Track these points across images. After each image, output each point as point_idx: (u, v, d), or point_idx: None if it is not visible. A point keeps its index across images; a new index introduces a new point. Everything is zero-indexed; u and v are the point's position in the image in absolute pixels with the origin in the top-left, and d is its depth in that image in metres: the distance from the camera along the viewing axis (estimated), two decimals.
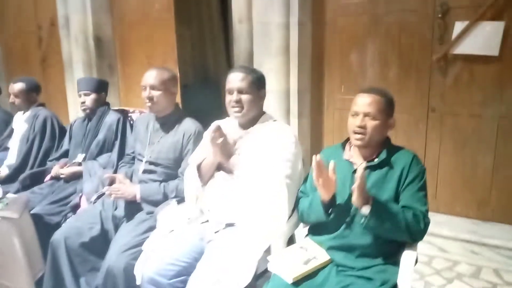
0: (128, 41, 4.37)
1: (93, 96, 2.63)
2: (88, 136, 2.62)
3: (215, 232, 1.78)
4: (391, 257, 1.55)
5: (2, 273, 2.03)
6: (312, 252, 1.61)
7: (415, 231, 1.50)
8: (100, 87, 2.68)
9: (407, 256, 1.52)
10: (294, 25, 3.05)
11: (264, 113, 1.94)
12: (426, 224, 1.52)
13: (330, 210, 1.59)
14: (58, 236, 2.07)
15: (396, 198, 1.57)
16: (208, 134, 1.93)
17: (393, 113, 1.65)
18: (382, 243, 1.54)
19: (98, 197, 2.28)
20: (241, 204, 1.74)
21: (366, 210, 1.45)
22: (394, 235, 1.52)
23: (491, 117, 2.76)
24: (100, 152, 2.58)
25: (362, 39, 3.08)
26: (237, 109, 1.83)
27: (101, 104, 2.68)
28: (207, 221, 1.86)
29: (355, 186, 1.43)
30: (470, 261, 2.67)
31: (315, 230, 1.72)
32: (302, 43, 3.10)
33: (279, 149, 1.77)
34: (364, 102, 1.59)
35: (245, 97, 1.82)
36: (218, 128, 1.75)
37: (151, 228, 1.99)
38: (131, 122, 2.70)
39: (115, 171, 2.41)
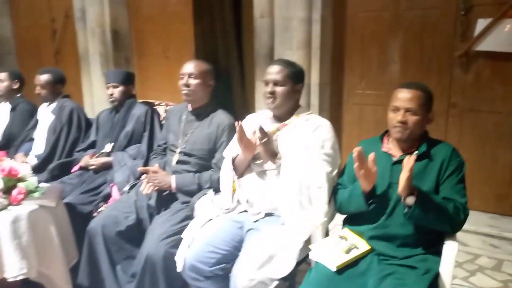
0: (144, 34, 4.40)
1: (121, 88, 2.65)
2: (116, 128, 2.66)
3: (254, 222, 1.83)
4: (431, 247, 1.60)
5: (40, 261, 2.06)
6: (352, 242, 1.66)
7: (456, 222, 1.56)
8: (128, 79, 2.71)
9: (449, 246, 1.57)
10: (316, 20, 3.08)
11: (299, 106, 1.98)
12: (466, 215, 1.58)
13: (371, 200, 1.63)
14: (95, 224, 2.11)
15: (436, 190, 1.61)
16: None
17: (432, 107, 1.69)
18: (423, 233, 1.59)
19: (131, 187, 2.32)
20: (282, 195, 1.79)
21: (411, 200, 1.49)
22: (436, 226, 1.57)
23: (511, 113, 2.81)
24: (129, 144, 2.61)
25: (383, 34, 3.12)
26: (270, 100, 1.88)
27: (128, 96, 2.71)
28: (245, 210, 1.91)
29: (403, 177, 1.47)
30: (491, 255, 2.73)
31: (353, 220, 1.76)
32: (324, 38, 3.13)
33: (319, 144, 1.81)
34: (405, 98, 1.63)
35: (279, 89, 1.87)
36: (262, 128, 1.77)
37: (187, 218, 2.04)
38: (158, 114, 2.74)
39: (146, 162, 2.45)
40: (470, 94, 2.92)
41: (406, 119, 1.62)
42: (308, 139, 1.83)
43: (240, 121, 1.82)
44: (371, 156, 1.57)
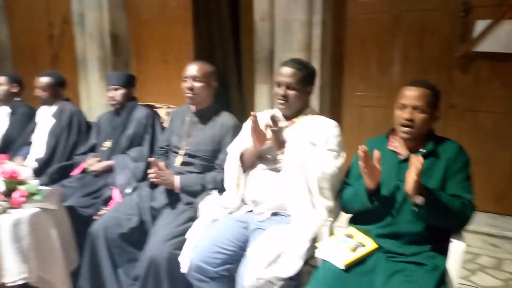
0: (143, 38, 4.39)
1: (122, 90, 2.65)
2: (117, 130, 2.64)
3: (260, 221, 1.82)
4: (439, 243, 1.60)
5: (41, 265, 2.03)
6: (358, 240, 1.65)
7: (464, 219, 1.57)
8: (129, 82, 2.71)
9: (456, 243, 1.57)
10: (317, 23, 3.10)
11: (308, 106, 1.99)
12: (473, 212, 1.58)
13: (374, 198, 1.63)
14: (97, 227, 2.09)
15: (442, 187, 1.61)
16: (247, 126, 1.98)
17: (439, 105, 1.69)
18: (431, 230, 1.59)
19: (134, 189, 2.30)
20: (287, 194, 1.78)
21: (419, 200, 1.49)
22: (445, 223, 1.57)
23: (510, 113, 2.83)
24: (130, 146, 2.60)
25: (383, 36, 3.14)
26: (282, 101, 1.89)
27: (129, 98, 2.70)
28: (251, 210, 1.90)
29: (411, 178, 1.46)
30: (491, 254, 2.74)
31: (359, 220, 1.75)
32: (324, 40, 3.15)
33: (324, 141, 1.83)
34: (412, 95, 1.63)
35: (291, 93, 1.88)
36: (274, 117, 1.77)
37: (191, 218, 2.02)
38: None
39: (147, 165, 2.43)
40: (470, 95, 2.95)
41: (413, 117, 1.62)
42: (314, 137, 1.84)
43: (254, 113, 1.82)
44: (376, 154, 1.57)
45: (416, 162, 1.45)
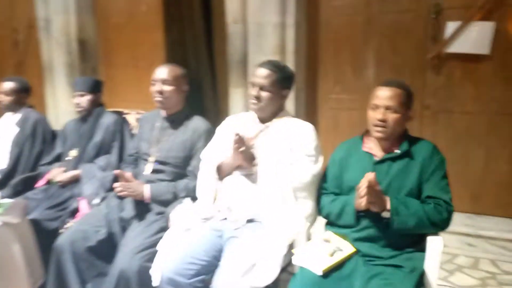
0: (112, 43, 4.27)
1: (88, 96, 2.53)
2: (84, 138, 2.52)
3: (235, 229, 1.75)
4: (417, 244, 1.57)
5: (3, 283, 1.91)
6: (336, 244, 1.61)
7: (439, 222, 1.55)
8: (96, 87, 2.59)
9: (432, 243, 1.54)
10: (290, 25, 3.06)
11: (283, 109, 1.94)
12: (450, 212, 1.57)
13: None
14: (62, 240, 1.96)
15: (418, 188, 1.59)
16: (220, 130, 1.92)
17: (412, 105, 1.67)
18: (408, 233, 1.55)
19: (102, 199, 2.19)
20: (263, 200, 1.73)
21: (386, 214, 1.47)
22: (420, 230, 1.55)
23: (483, 113, 2.87)
24: (97, 155, 2.48)
25: (357, 39, 3.14)
26: (254, 102, 1.84)
27: (96, 104, 2.59)
28: (225, 218, 1.82)
29: (365, 197, 1.48)
30: (468, 253, 2.75)
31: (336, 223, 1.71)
32: (298, 43, 3.12)
33: (301, 146, 1.78)
34: (385, 96, 1.61)
35: (264, 94, 1.83)
36: (240, 138, 1.71)
37: (163, 229, 1.93)
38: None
39: None
40: (443, 96, 2.97)
41: (386, 117, 1.60)
42: (290, 141, 1.79)
43: (238, 133, 1.73)
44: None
45: (368, 183, 1.47)
